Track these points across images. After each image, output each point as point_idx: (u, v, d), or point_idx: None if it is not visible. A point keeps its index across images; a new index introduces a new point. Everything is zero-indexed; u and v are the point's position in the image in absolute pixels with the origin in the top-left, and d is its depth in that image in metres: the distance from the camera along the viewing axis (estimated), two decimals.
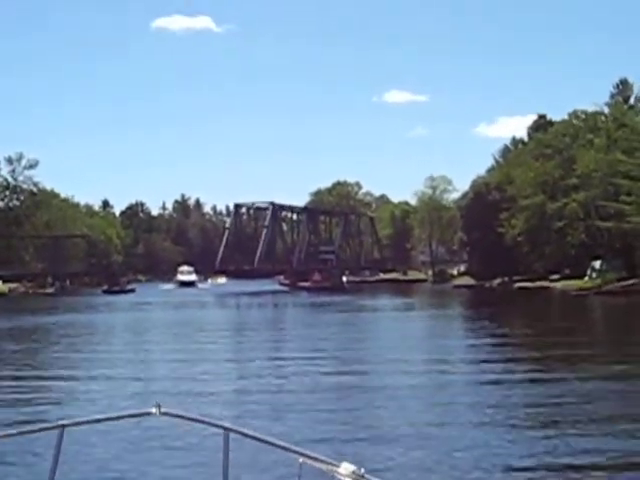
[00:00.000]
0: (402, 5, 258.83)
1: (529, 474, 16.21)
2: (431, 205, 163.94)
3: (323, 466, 4.29)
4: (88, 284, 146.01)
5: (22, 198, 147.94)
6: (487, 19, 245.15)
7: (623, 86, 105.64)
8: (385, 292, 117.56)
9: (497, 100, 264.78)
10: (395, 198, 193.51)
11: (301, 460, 4.37)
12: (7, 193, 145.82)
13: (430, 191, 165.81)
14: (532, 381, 29.26)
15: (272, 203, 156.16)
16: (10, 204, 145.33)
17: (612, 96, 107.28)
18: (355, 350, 42.59)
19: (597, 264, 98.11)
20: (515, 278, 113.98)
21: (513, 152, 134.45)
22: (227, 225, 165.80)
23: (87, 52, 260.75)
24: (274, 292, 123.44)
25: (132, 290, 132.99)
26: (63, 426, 5.12)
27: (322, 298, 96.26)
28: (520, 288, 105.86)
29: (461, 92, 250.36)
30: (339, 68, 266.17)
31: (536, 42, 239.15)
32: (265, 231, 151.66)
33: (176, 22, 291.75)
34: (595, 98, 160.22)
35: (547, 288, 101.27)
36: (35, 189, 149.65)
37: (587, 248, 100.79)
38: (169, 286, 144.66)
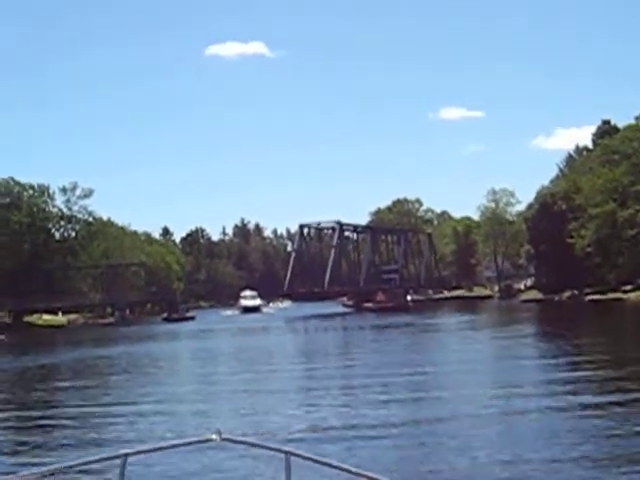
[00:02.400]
0: (452, 21, 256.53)
1: None
2: (495, 219, 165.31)
3: None
4: (149, 313, 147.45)
5: (77, 228, 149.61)
6: (535, 34, 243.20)
7: None
8: (450, 310, 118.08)
9: (553, 112, 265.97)
10: (456, 214, 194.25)
11: None
12: (62, 223, 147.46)
13: (493, 205, 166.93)
14: (616, 404, 28.09)
15: (339, 222, 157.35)
16: (65, 234, 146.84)
17: None
18: (425, 375, 41.72)
19: None
20: (586, 291, 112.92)
21: (578, 160, 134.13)
22: (293, 246, 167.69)
23: (141, 79, 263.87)
24: (339, 314, 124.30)
25: (192, 317, 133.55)
26: (126, 455, 5.35)
27: (387, 319, 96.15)
28: (592, 301, 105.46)
29: (516, 106, 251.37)
30: (393, 86, 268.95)
31: (584, 54, 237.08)
32: (333, 251, 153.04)
33: (230, 48, 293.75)
34: None
35: (620, 300, 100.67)
36: (91, 218, 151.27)
37: None
38: (232, 312, 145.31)
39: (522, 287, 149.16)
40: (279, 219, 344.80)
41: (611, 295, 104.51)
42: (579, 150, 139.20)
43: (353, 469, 4.69)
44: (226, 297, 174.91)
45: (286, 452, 5.05)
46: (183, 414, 30.95)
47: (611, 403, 27.99)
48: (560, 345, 56.08)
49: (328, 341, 74.33)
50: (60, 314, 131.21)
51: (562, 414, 26.68)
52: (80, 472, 15.93)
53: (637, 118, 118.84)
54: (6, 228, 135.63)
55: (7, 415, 33.83)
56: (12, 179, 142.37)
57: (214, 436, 5.25)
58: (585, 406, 27.85)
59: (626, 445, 21.35)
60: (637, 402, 27.89)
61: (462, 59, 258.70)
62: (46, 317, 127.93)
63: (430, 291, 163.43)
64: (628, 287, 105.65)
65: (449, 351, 57.63)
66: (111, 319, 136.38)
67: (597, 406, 27.86)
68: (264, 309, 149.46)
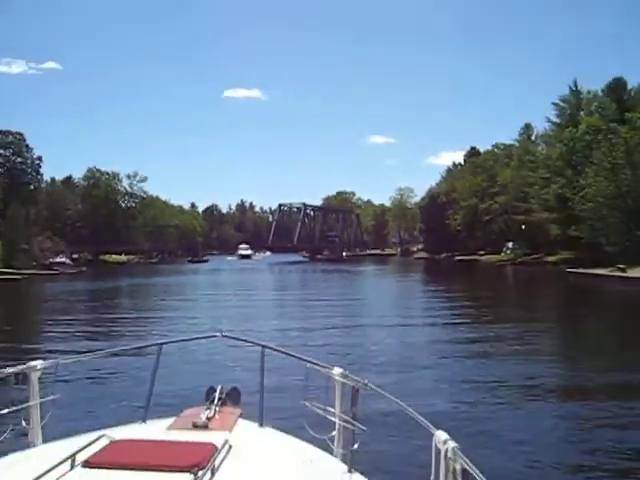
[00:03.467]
0: (374, 80, 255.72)
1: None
2: (400, 206, 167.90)
3: (323, 370, 4.29)
4: (180, 256, 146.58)
5: (136, 201, 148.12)
6: (426, 80, 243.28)
7: (527, 128, 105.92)
8: (369, 262, 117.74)
9: (439, 140, 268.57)
10: (376, 202, 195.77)
11: (308, 365, 4.39)
12: (127, 198, 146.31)
13: (399, 197, 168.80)
14: (467, 320, 28.75)
15: (304, 203, 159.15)
16: (128, 205, 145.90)
17: (520, 134, 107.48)
18: (353, 300, 41.84)
19: (510, 244, 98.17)
20: (455, 253, 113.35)
21: (455, 171, 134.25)
22: (274, 218, 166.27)
23: (181, 111, 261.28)
24: (300, 262, 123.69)
25: (207, 260, 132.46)
26: (161, 344, 5.21)
27: (330, 266, 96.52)
28: (459, 260, 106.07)
29: (417, 136, 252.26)
30: (341, 119, 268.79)
31: (456, 102, 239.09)
32: (299, 222, 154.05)
33: (239, 92, 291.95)
34: (509, 135, 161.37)
35: (476, 260, 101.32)
36: (145, 195, 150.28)
37: (504, 234, 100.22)
38: (233, 258, 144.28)
39: (415, 249, 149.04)
40: (265, 199, 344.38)
41: (471, 257, 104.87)
42: (455, 165, 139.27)
43: (311, 360, 4.48)
44: (229, 248, 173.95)
45: (262, 345, 5.01)
46: (200, 319, 30.66)
47: (461, 314, 28.96)
48: (436, 283, 57.67)
49: (293, 278, 74.36)
50: (123, 255, 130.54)
51: (434, 326, 27.07)
52: (127, 356, 16.11)
53: (493, 145, 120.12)
54: (90, 200, 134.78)
55: (85, 316, 33.72)
56: (95, 168, 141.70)
57: (218, 334, 5.33)
58: (442, 316, 28.69)
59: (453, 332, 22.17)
60: (474, 316, 28.72)
61: (384, 101, 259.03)
62: (114, 257, 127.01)
63: (357, 249, 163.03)
64: (481, 252, 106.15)
65: (369, 286, 58.24)
66: (155, 260, 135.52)
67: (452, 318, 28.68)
68: (253, 257, 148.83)
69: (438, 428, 2.99)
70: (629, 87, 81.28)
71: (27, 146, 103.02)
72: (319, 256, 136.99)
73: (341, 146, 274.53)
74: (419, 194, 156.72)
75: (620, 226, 59.66)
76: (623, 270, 51.38)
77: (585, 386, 15.30)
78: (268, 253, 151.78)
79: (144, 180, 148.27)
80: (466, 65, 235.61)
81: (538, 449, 10.15)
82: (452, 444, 2.80)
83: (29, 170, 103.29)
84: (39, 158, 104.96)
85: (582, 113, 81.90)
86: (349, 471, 3.77)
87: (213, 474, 3.30)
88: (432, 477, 2.87)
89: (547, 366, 17.40)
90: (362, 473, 3.76)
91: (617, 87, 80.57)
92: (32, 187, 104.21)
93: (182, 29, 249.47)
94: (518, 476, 8.87)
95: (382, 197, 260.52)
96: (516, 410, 12.81)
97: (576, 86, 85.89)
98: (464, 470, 2.68)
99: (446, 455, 2.79)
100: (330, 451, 4.12)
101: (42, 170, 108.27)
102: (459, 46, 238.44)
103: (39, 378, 4.39)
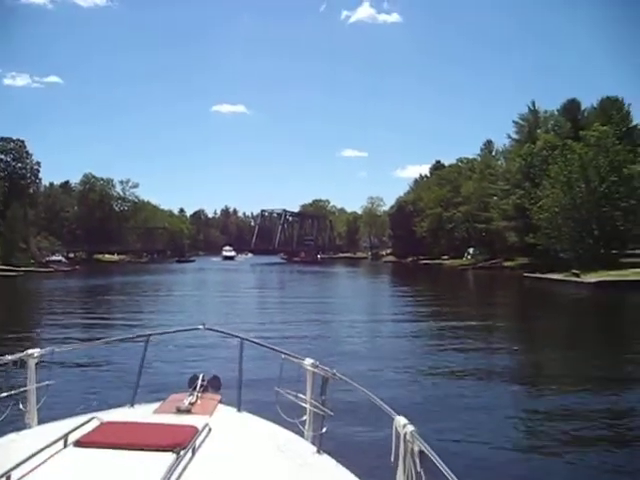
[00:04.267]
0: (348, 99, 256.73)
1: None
2: (370, 214, 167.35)
3: (296, 360, 4.32)
4: (168, 256, 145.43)
5: (129, 205, 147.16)
6: (400, 98, 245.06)
7: (489, 144, 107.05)
8: (342, 264, 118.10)
9: (405, 155, 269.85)
10: (349, 209, 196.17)
11: (283, 356, 4.42)
12: (120, 202, 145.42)
13: (370, 205, 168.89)
14: (429, 316, 28.91)
15: (284, 210, 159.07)
16: (121, 208, 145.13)
17: (482, 149, 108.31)
18: (327, 299, 41.98)
19: (471, 250, 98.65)
20: (421, 257, 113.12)
21: (421, 183, 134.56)
22: (257, 222, 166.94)
23: (171, 125, 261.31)
24: (279, 263, 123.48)
25: (193, 260, 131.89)
26: (149, 335, 5.29)
27: (306, 268, 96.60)
28: (424, 264, 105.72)
29: (386, 151, 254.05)
30: (317, 134, 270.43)
31: (421, 120, 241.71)
32: (281, 227, 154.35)
33: (225, 108, 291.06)
34: (471, 150, 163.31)
35: (440, 264, 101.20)
36: (137, 200, 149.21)
37: (466, 241, 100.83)
38: (217, 258, 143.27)
39: (384, 254, 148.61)
40: (247, 206, 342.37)
41: (435, 261, 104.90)
42: (422, 177, 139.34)
43: (285, 351, 4.50)
44: (214, 250, 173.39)
45: (241, 338, 5.09)
46: (185, 313, 30.78)
47: (424, 312, 29.07)
48: (402, 284, 57.88)
49: (272, 278, 74.12)
50: (115, 255, 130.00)
51: (399, 322, 27.22)
52: (117, 346, 16.15)
53: (457, 159, 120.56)
54: (85, 203, 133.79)
55: (79, 310, 33.57)
56: (91, 174, 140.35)
57: (200, 326, 5.32)
58: (408, 313, 28.82)
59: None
60: (436, 313, 28.85)
61: (355, 120, 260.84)
62: (107, 256, 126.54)
63: (331, 252, 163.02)
64: (445, 257, 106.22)
65: (341, 286, 58.33)
66: (145, 259, 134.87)
67: (413, 315, 28.82)
68: (236, 258, 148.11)
69: (398, 414, 3.05)
70: (582, 107, 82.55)
71: (27, 152, 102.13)
72: (296, 258, 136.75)
73: (317, 158, 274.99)
74: (388, 203, 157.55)
75: (573, 235, 60.08)
76: (577, 275, 51.57)
77: (535, 374, 15.95)
78: (250, 255, 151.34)
79: (136, 186, 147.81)
80: (430, 86, 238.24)
81: (491, 431, 10.49)
82: (410, 428, 2.87)
83: (28, 175, 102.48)
84: (38, 164, 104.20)
85: (539, 130, 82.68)
86: (318, 452, 3.88)
87: (194, 453, 3.37)
88: (392, 457, 2.93)
89: (502, 358, 17.86)
90: (330, 454, 3.85)
91: (572, 107, 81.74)
92: (31, 190, 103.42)
93: (175, 51, 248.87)
94: (472, 457, 9.02)
95: (354, 206, 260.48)
96: (472, 396, 13.07)
97: (534, 106, 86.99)
98: (421, 452, 2.75)
99: (405, 438, 2.86)
100: (301, 434, 4.19)
101: (41, 175, 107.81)
102: (424, 69, 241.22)
103: (36, 364, 4.42)
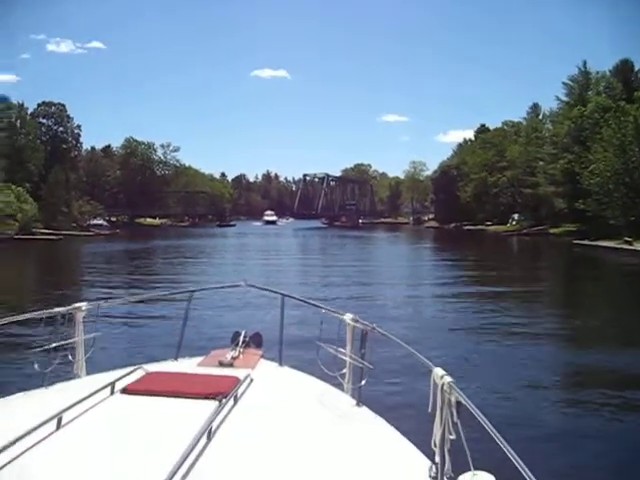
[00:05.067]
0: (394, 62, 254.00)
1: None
2: (413, 178, 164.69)
3: (336, 315, 4.40)
4: (209, 220, 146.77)
5: (170, 169, 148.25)
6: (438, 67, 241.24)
7: (535, 107, 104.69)
8: (384, 229, 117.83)
9: (448, 120, 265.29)
10: (391, 174, 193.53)
11: (323, 311, 4.54)
12: (161, 166, 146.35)
13: (413, 170, 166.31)
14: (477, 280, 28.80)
15: (327, 174, 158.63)
16: (163, 172, 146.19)
17: (528, 113, 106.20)
18: (369, 266, 41.90)
19: (515, 216, 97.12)
20: (464, 223, 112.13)
21: (465, 147, 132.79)
22: (299, 186, 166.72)
23: (211, 89, 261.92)
24: (321, 228, 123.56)
25: (234, 225, 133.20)
26: (192, 291, 5.45)
27: (348, 232, 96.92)
28: (467, 229, 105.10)
29: (427, 116, 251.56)
30: (358, 99, 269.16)
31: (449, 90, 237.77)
32: (323, 192, 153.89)
33: (266, 72, 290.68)
34: (518, 113, 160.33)
35: (484, 230, 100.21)
36: (178, 164, 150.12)
37: (511, 207, 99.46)
38: (259, 223, 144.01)
39: (426, 219, 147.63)
40: (288, 170, 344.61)
41: (479, 227, 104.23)
42: (466, 142, 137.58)
43: (325, 307, 4.65)
44: (256, 214, 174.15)
45: (282, 294, 5.19)
46: (228, 273, 31.48)
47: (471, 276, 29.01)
48: (445, 249, 57.67)
49: (314, 242, 74.09)
50: (157, 219, 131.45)
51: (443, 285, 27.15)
52: (161, 302, 16.64)
53: (503, 123, 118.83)
54: (127, 167, 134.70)
55: (125, 272, 34.06)
56: (132, 138, 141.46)
57: (242, 283, 5.55)
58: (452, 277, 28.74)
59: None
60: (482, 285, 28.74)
61: (397, 85, 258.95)
62: (149, 220, 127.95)
63: (372, 218, 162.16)
64: (489, 223, 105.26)
65: (383, 251, 58.23)
66: (186, 223, 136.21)
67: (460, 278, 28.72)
68: (278, 223, 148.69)
69: (436, 366, 3.09)
70: (636, 69, 79.47)
71: (68, 116, 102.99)
72: (337, 223, 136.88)
73: (358, 123, 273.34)
74: (431, 168, 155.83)
75: (625, 201, 58.53)
76: (630, 243, 50.03)
77: (577, 337, 15.85)
78: (291, 219, 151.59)
79: (177, 150, 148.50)
80: (473, 53, 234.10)
81: (530, 387, 10.79)
82: (448, 379, 2.90)
83: (70, 138, 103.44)
84: (79, 127, 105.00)
85: (590, 93, 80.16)
86: (357, 404, 3.99)
87: (236, 402, 3.53)
88: (430, 408, 3.00)
89: (558, 321, 17.81)
90: (369, 406, 3.95)
91: (624, 68, 78.83)
92: (73, 154, 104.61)
93: (214, 14, 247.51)
94: (510, 409, 9.25)
95: (396, 170, 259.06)
96: (510, 354, 13.37)
97: (585, 66, 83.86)
98: (458, 402, 2.79)
99: (442, 389, 2.90)
100: (341, 387, 4.30)
101: (82, 139, 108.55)
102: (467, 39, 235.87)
103: (83, 318, 4.61)
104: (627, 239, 51.06)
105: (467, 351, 13.43)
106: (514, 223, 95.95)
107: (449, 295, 22.85)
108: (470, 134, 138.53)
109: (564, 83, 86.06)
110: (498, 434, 2.50)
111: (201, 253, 50.13)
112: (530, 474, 2.23)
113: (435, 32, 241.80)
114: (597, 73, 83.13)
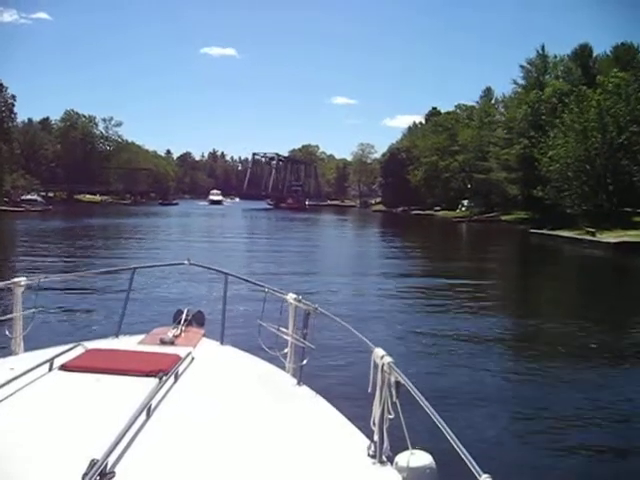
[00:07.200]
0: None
1: None
2: (360, 161, 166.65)
3: (279, 294, 4.54)
4: (152, 199, 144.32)
5: (111, 144, 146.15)
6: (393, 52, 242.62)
7: (488, 91, 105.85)
8: (330, 212, 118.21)
9: (396, 103, 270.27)
10: (338, 156, 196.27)
11: (266, 290, 4.68)
12: (102, 141, 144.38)
13: (361, 152, 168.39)
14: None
15: (277, 154, 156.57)
16: (104, 148, 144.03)
17: (481, 97, 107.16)
18: (314, 247, 42.28)
19: (465, 202, 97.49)
20: (412, 208, 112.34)
21: (415, 130, 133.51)
22: (248, 165, 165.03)
23: (159, 69, 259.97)
24: (266, 209, 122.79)
25: (177, 203, 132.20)
26: (135, 268, 5.55)
27: (293, 215, 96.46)
28: (415, 214, 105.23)
29: (375, 99, 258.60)
30: (307, 81, 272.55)
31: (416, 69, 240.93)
32: (273, 172, 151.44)
33: (215, 51, 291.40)
34: (470, 97, 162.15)
35: (432, 215, 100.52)
36: (120, 139, 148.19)
37: (461, 192, 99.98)
38: (204, 202, 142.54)
39: (373, 202, 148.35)
40: (235, 150, 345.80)
41: (428, 212, 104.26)
42: (415, 125, 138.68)
43: (268, 286, 4.71)
44: (201, 193, 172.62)
45: (225, 273, 5.27)
46: (171, 251, 31.65)
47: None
48: (392, 233, 58.17)
49: (260, 223, 73.87)
50: (97, 195, 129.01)
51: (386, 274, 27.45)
52: (101, 279, 16.51)
53: (455, 106, 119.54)
54: (66, 141, 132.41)
55: (62, 249, 33.46)
56: (73, 110, 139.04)
57: (185, 262, 5.54)
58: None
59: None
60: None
61: (347, 67, 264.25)
62: (88, 197, 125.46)
63: (319, 200, 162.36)
64: (438, 208, 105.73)
65: (329, 234, 58.55)
66: (128, 201, 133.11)
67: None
68: (224, 203, 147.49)
69: (377, 346, 3.20)
70: (594, 54, 79.90)
71: (1, 85, 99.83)
72: (283, 205, 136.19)
73: (306, 104, 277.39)
74: (379, 151, 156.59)
75: (585, 189, 57.47)
76: (592, 234, 47.01)
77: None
78: (237, 199, 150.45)
79: (119, 125, 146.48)
80: (425, 35, 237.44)
81: (466, 366, 11.15)
82: (388, 359, 3.02)
83: (2, 108, 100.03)
84: (13, 97, 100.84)
85: (548, 77, 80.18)
86: (298, 384, 4.10)
87: (176, 380, 3.59)
88: (370, 388, 3.11)
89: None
90: (309, 385, 4.06)
91: (583, 53, 79.02)
92: (5, 125, 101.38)
93: None
94: (447, 389, 9.48)
95: (344, 153, 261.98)
96: (454, 334, 13.78)
97: (543, 50, 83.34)
98: (397, 382, 2.91)
99: (382, 369, 3.01)
100: (283, 367, 4.40)
101: (16, 109, 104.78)
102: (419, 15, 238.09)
103: (22, 293, 4.60)
104: (589, 229, 48.55)
105: (406, 331, 13.87)
106: (463, 209, 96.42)
107: (392, 289, 21.69)
108: (420, 119, 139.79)
109: (521, 66, 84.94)
110: (436, 413, 2.59)
111: (141, 233, 49.16)
112: (466, 452, 2.31)
113: (387, 13, 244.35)
114: (555, 57, 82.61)
